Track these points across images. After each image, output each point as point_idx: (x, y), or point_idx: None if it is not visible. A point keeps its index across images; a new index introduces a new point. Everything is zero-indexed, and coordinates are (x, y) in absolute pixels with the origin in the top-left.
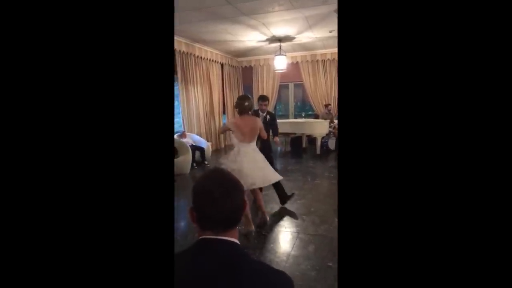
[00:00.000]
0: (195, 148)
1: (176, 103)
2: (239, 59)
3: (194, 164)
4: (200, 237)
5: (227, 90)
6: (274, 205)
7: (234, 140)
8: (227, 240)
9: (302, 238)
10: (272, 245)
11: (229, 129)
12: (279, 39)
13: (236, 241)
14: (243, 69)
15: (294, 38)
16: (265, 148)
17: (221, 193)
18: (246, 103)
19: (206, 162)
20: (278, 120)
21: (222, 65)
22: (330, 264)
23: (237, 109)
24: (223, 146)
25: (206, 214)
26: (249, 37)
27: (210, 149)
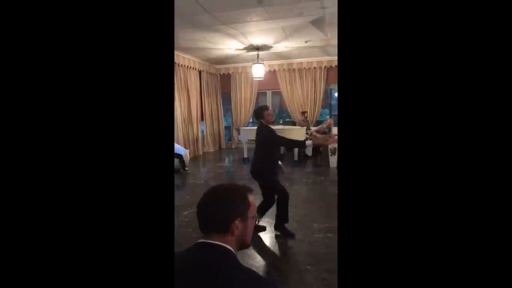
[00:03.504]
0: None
1: None
2: (217, 66)
3: None
4: (198, 241)
5: (205, 97)
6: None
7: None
8: (219, 245)
9: (281, 242)
10: (251, 250)
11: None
12: (257, 48)
13: (229, 247)
14: (221, 77)
15: (271, 47)
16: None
17: (206, 201)
18: None
19: (186, 169)
20: (255, 128)
21: (200, 72)
22: (308, 267)
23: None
24: (201, 153)
25: (198, 218)
26: (228, 45)
27: (188, 156)
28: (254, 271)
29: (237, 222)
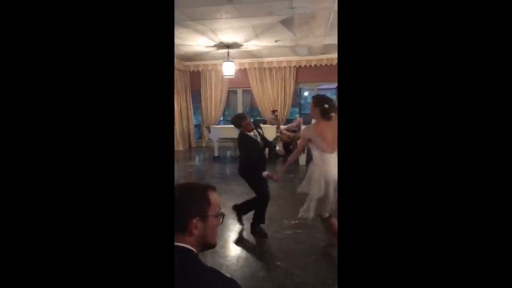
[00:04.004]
0: None
1: None
2: (187, 63)
3: None
4: None
5: (174, 95)
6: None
7: (315, 153)
8: (178, 246)
9: (252, 240)
10: (222, 249)
11: (309, 141)
12: (227, 46)
13: (189, 247)
14: (191, 74)
15: (241, 45)
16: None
17: None
18: (326, 105)
19: None
20: (226, 126)
21: None
22: (278, 263)
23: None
24: None
25: None
26: (197, 42)
27: None
28: (217, 270)
29: (196, 221)
